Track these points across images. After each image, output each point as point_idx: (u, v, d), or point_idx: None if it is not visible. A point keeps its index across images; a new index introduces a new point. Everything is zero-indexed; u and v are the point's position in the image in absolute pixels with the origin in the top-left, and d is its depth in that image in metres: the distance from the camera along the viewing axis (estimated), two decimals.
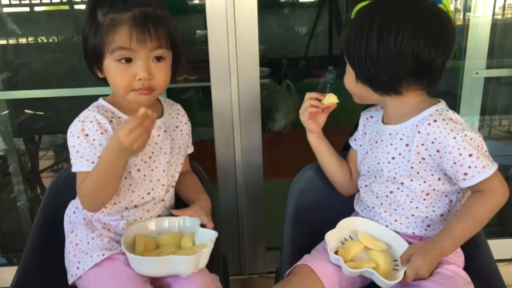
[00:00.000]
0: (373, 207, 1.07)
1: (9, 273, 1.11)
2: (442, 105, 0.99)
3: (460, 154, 0.91)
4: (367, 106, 1.16)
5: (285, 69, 3.60)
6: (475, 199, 0.94)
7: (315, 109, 1.12)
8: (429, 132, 0.94)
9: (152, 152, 1.07)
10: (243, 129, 1.49)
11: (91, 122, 0.99)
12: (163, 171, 1.09)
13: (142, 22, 0.95)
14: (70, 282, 1.03)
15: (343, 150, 1.24)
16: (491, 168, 0.91)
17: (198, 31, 3.66)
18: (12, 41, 2.20)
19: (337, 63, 3.88)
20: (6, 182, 2.00)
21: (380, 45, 0.93)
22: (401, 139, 0.99)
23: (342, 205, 1.17)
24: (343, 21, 4.06)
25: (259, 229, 1.62)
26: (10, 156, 1.93)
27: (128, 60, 0.97)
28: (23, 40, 2.30)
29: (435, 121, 0.94)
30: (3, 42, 2.09)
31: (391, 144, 1.01)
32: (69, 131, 1.00)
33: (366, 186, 1.10)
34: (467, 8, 1.89)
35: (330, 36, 4.21)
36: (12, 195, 1.98)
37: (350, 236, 1.06)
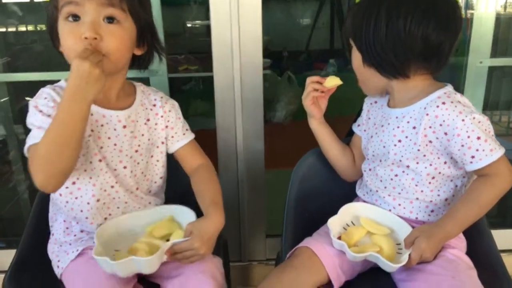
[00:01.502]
0: (377, 191, 1.06)
1: (8, 256, 1.11)
2: (449, 88, 0.99)
3: (468, 137, 0.91)
4: None
5: (286, 61, 3.60)
6: (480, 183, 0.93)
7: (317, 93, 1.11)
8: (437, 114, 0.94)
9: (101, 147, 0.98)
10: (245, 117, 1.48)
11: (45, 98, 0.93)
12: (114, 169, 1.00)
13: None
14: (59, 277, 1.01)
15: (346, 136, 1.24)
16: (498, 151, 0.91)
17: (198, 21, 3.65)
18: (12, 29, 2.20)
19: (338, 56, 3.88)
20: (6, 168, 1.99)
21: (389, 28, 0.93)
22: (408, 122, 0.99)
23: (344, 191, 1.17)
24: (344, 15, 4.05)
25: (260, 216, 1.62)
26: (10, 142, 1.92)
27: (75, 18, 0.88)
28: (22, 28, 2.29)
29: (443, 103, 0.94)
30: (3, 29, 2.08)
31: (398, 127, 1.00)
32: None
33: (370, 170, 1.09)
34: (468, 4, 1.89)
35: (331, 29, 4.21)
36: (12, 182, 1.98)
37: (352, 222, 1.06)
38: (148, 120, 1.05)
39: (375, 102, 1.12)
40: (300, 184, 1.21)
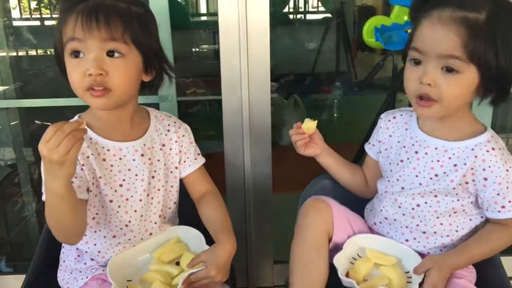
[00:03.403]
0: (395, 220, 1.05)
1: (16, 282, 1.10)
2: (492, 130, 0.98)
3: (507, 187, 0.93)
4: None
5: (293, 84, 3.62)
6: (497, 229, 0.96)
7: (303, 140, 1.11)
8: (485, 159, 0.93)
9: (124, 180, 0.98)
10: (252, 142, 1.49)
11: None
12: (140, 200, 1.00)
13: (91, 9, 0.86)
14: None
15: (355, 160, 1.23)
16: None
17: (205, 46, 3.70)
18: (22, 53, 2.24)
19: (344, 78, 3.90)
20: (15, 191, 2.00)
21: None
22: (449, 158, 0.97)
23: None
24: (350, 38, 4.09)
25: (267, 242, 1.61)
26: (20, 165, 1.93)
27: (78, 54, 0.88)
28: (32, 52, 2.33)
29: (493, 149, 0.94)
30: (14, 53, 2.12)
31: (438, 161, 0.98)
32: None
33: (386, 192, 1.07)
34: None
35: (337, 52, 4.24)
36: (20, 204, 1.98)
37: (358, 254, 1.04)
38: (163, 145, 1.05)
39: (394, 117, 1.09)
40: None
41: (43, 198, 0.87)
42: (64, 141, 0.74)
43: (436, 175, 0.98)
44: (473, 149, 0.94)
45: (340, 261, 0.98)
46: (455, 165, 0.96)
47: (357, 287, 0.91)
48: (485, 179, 0.94)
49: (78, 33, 0.86)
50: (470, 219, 1.01)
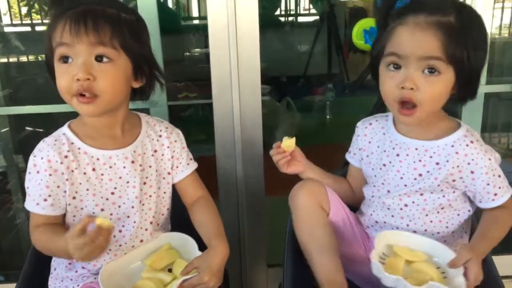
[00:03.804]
0: (385, 222, 1.05)
1: None
2: (465, 125, 1.00)
3: (494, 175, 0.96)
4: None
5: (285, 87, 3.63)
6: (499, 212, 0.98)
7: (284, 159, 1.12)
8: (467, 153, 0.96)
9: (115, 188, 0.98)
10: (244, 145, 1.49)
11: (42, 158, 0.93)
12: (132, 207, 1.00)
13: (79, 15, 0.86)
14: None
15: (344, 164, 1.23)
16: (510, 187, 0.98)
17: (197, 49, 3.70)
18: (13, 59, 2.22)
19: (336, 80, 3.92)
20: (6, 199, 1.98)
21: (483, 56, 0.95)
22: (431, 156, 0.99)
23: None
24: (342, 41, 4.11)
25: (261, 245, 1.61)
26: (11, 173, 1.92)
27: (66, 59, 0.88)
28: (23, 58, 2.32)
29: (472, 142, 0.96)
30: (5, 60, 2.11)
31: (420, 161, 1.00)
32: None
33: (373, 197, 1.08)
34: None
35: (329, 54, 4.26)
36: (12, 212, 1.97)
37: (383, 253, 0.98)
38: (155, 151, 1.05)
39: (370, 124, 1.11)
40: None
41: (26, 205, 0.92)
42: (92, 245, 0.80)
43: (420, 175, 1.00)
44: (453, 146, 0.97)
45: (376, 258, 0.92)
46: (437, 163, 0.98)
47: (406, 283, 0.85)
48: (472, 172, 0.96)
49: (66, 38, 0.86)
50: (458, 214, 1.02)
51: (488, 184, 0.97)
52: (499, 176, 0.97)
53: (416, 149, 1.00)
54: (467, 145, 0.96)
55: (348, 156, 1.17)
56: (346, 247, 1.08)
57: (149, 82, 1.01)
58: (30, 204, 0.95)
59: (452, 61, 0.89)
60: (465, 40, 0.90)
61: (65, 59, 0.88)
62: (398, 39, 0.92)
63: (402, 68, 0.91)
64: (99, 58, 0.88)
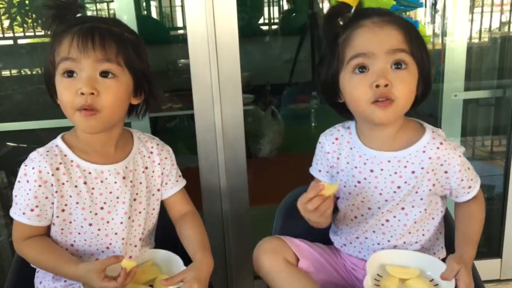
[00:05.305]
0: (366, 238, 1.04)
1: None
2: (429, 126, 1.01)
3: (466, 170, 0.98)
4: None
5: (269, 95, 3.64)
6: (472, 205, 1.01)
7: (325, 204, 0.91)
8: (439, 155, 0.97)
9: (105, 203, 0.99)
10: (227, 156, 1.49)
11: (33, 168, 0.93)
12: (121, 223, 1.00)
13: (87, 30, 0.89)
14: None
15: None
16: (477, 175, 1.01)
17: (181, 60, 3.69)
18: None
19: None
20: None
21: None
22: (405, 166, 0.97)
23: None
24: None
25: (247, 257, 1.59)
26: None
27: (71, 74, 0.90)
28: (6, 73, 2.29)
29: (441, 143, 0.97)
30: None
31: (395, 173, 0.98)
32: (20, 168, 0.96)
33: (356, 217, 1.05)
34: (444, 33, 1.93)
35: (313, 62, 4.28)
36: None
37: (378, 274, 0.98)
38: (146, 168, 1.05)
39: (336, 139, 1.05)
40: (283, 222, 1.21)
41: (11, 213, 0.95)
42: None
43: (399, 187, 0.98)
44: (424, 151, 0.97)
45: (369, 284, 0.92)
46: (413, 172, 0.97)
47: None
48: (446, 172, 0.98)
49: (73, 53, 0.88)
50: (433, 218, 1.03)
51: (462, 180, 0.98)
52: (469, 168, 0.99)
53: (389, 161, 0.98)
54: (437, 148, 0.97)
55: (320, 175, 1.08)
56: (326, 276, 1.07)
57: (146, 100, 1.03)
58: (16, 213, 0.95)
59: (415, 56, 0.91)
60: (417, 39, 0.92)
61: (69, 73, 0.90)
62: (358, 40, 0.91)
63: (370, 69, 0.90)
64: (104, 74, 0.90)
